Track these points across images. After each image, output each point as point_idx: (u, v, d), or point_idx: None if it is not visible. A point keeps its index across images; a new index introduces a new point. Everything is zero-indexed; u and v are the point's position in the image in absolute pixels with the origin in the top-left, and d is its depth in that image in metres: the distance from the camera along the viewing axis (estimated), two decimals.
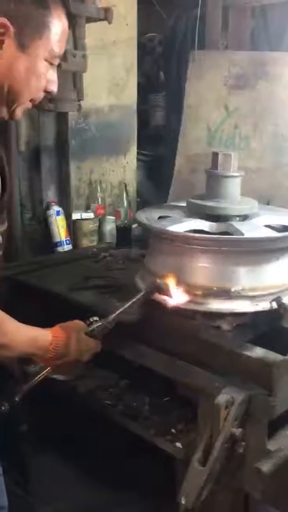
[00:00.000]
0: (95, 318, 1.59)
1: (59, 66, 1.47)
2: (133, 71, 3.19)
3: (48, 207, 2.84)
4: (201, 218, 1.83)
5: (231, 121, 2.74)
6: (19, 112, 1.41)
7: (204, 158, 2.41)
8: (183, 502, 1.38)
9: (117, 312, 1.60)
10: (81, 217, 2.90)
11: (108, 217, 2.97)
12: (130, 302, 1.62)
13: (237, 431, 1.42)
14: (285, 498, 1.46)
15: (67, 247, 2.81)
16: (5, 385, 1.55)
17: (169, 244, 1.76)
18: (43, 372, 1.54)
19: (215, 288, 1.69)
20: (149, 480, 2.20)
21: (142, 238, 2.60)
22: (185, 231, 1.75)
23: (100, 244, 2.85)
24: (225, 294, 1.68)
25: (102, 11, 2.46)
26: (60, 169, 2.93)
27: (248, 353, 1.52)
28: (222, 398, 1.41)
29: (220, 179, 1.86)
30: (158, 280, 1.64)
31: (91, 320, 1.59)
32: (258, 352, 1.53)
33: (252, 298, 1.69)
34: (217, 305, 1.69)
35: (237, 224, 1.78)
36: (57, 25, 1.35)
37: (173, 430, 1.78)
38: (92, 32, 2.57)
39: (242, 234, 1.71)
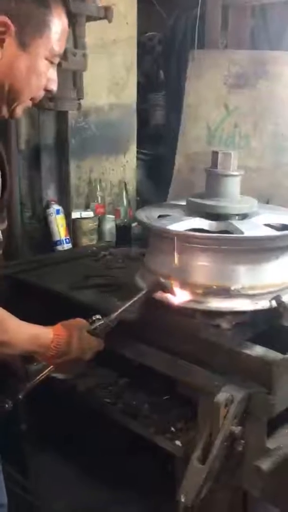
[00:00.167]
0: (98, 316, 1.59)
1: (59, 65, 1.47)
2: (133, 70, 3.19)
3: (48, 206, 2.83)
4: (201, 216, 1.83)
5: (231, 120, 2.74)
6: (19, 111, 1.41)
7: (203, 157, 2.41)
8: (182, 500, 1.39)
9: (119, 310, 1.60)
10: (80, 216, 2.90)
11: (108, 216, 2.97)
12: (132, 301, 1.62)
13: (237, 429, 1.42)
14: (284, 496, 1.46)
15: (67, 246, 2.81)
16: (7, 383, 1.55)
17: (169, 243, 1.77)
18: (46, 370, 1.54)
19: (214, 287, 1.69)
20: (148, 479, 2.20)
21: (141, 237, 2.60)
22: (185, 230, 1.75)
23: (100, 243, 2.85)
24: (225, 292, 1.68)
25: (102, 10, 2.46)
26: (60, 168, 2.93)
27: (247, 351, 1.53)
28: (221, 397, 1.41)
29: (220, 178, 1.86)
30: (160, 279, 1.64)
31: (94, 318, 1.58)
32: (257, 350, 1.53)
33: (251, 296, 1.69)
34: (216, 303, 1.69)
35: (236, 223, 1.78)
36: (58, 24, 1.36)
37: (172, 429, 1.79)
38: (92, 31, 2.57)
39: (242, 232, 1.71)
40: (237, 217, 1.83)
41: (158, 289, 1.65)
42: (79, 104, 2.52)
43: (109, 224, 2.93)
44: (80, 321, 1.57)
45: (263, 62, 2.66)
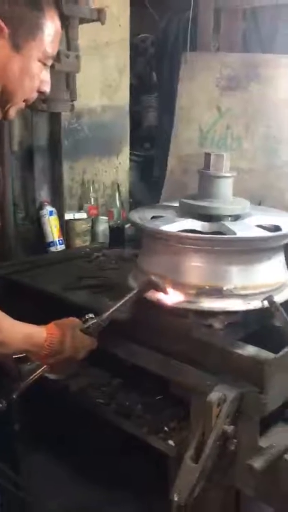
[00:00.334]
0: (91, 315, 1.59)
1: (52, 66, 1.48)
2: (125, 72, 3.20)
3: (41, 207, 2.84)
4: (194, 218, 1.84)
5: (223, 122, 2.75)
6: (12, 112, 1.42)
7: (196, 159, 2.42)
8: (175, 499, 1.39)
9: (111, 310, 1.60)
10: (74, 217, 2.90)
11: (101, 217, 2.98)
12: (123, 300, 1.63)
13: (229, 429, 1.43)
14: (277, 494, 1.47)
15: (60, 247, 2.81)
16: (1, 383, 1.55)
17: (162, 244, 1.78)
18: (39, 370, 1.55)
19: (207, 287, 1.70)
20: (142, 478, 2.21)
21: (135, 238, 2.61)
22: (178, 231, 1.76)
23: (93, 244, 2.86)
24: (217, 292, 1.69)
25: (95, 12, 2.46)
26: (53, 169, 2.93)
27: (239, 351, 1.54)
28: (214, 396, 1.42)
29: (212, 179, 1.87)
30: (152, 277, 1.65)
31: (87, 317, 1.59)
32: (249, 350, 1.54)
33: (244, 296, 1.70)
34: (209, 303, 1.70)
35: (229, 224, 1.79)
36: (50, 27, 1.37)
37: (165, 428, 1.80)
38: (85, 33, 2.58)
39: (234, 233, 1.72)
40: (229, 218, 1.84)
41: (149, 288, 1.65)
42: (72, 105, 2.53)
43: (102, 226, 2.94)
44: (73, 320, 1.58)
45: (255, 65, 2.67)
